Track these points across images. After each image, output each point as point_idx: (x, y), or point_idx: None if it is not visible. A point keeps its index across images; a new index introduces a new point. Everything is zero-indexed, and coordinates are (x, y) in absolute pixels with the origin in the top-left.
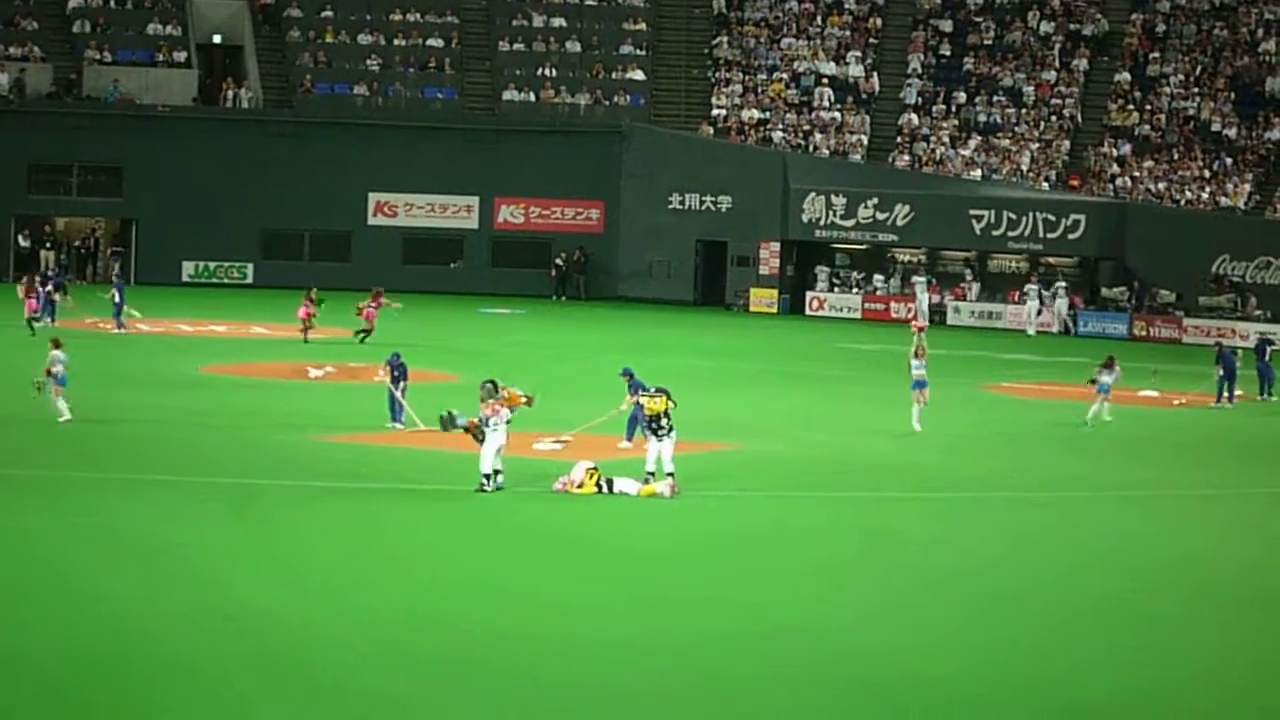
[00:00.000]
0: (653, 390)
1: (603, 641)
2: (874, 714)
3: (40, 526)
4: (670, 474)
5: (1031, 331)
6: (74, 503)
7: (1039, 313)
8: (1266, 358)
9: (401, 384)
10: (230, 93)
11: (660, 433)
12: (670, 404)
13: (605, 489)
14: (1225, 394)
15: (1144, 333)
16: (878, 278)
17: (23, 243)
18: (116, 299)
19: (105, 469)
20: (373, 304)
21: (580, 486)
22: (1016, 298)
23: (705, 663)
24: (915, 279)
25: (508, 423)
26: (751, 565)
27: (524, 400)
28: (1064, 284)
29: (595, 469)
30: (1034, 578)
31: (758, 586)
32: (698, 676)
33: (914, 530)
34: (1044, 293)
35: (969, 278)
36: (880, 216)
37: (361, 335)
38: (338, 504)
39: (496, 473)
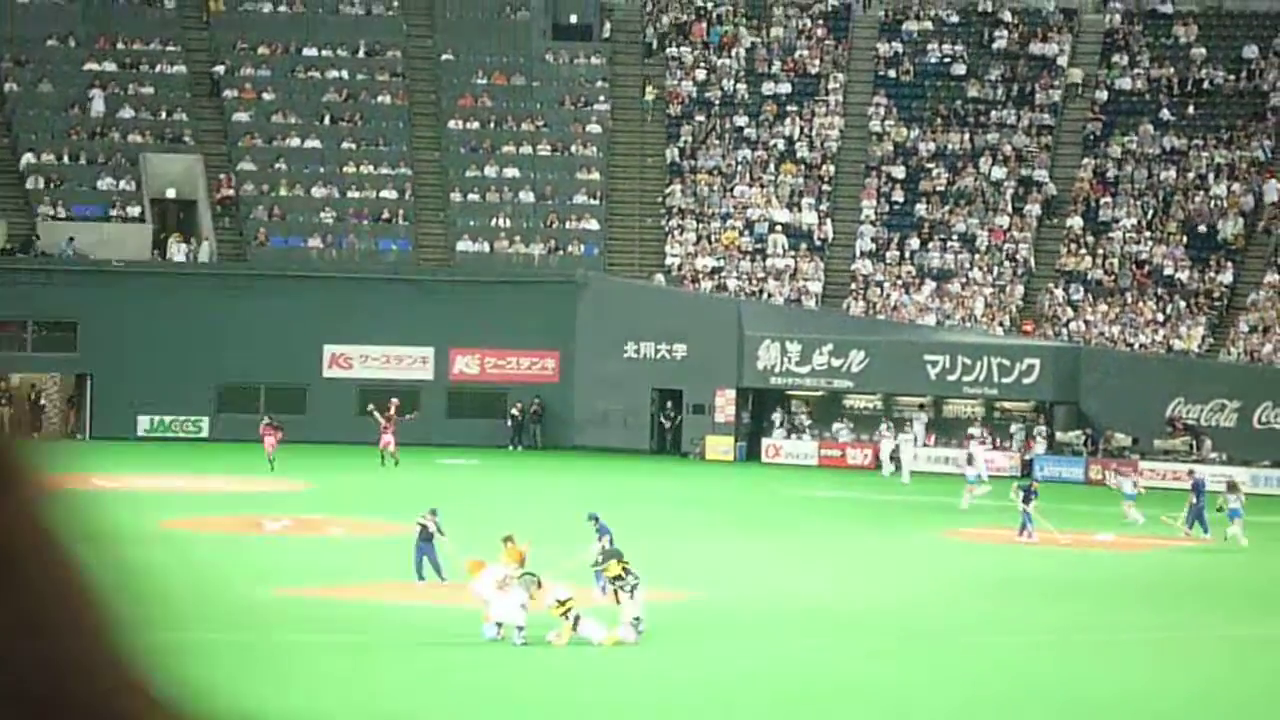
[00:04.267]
0: (601, 560)
1: None
2: None
3: None
4: (637, 619)
5: (971, 476)
6: None
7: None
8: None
9: (441, 538)
10: (177, 247)
11: (626, 587)
12: (624, 565)
13: (572, 626)
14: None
15: (1100, 477)
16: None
17: None
18: None
19: None
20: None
21: (549, 611)
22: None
23: None
24: (884, 429)
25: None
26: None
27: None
28: (914, 428)
29: (567, 600)
30: None
31: None
32: None
33: (878, 678)
34: (986, 437)
35: (914, 422)
36: (835, 363)
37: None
38: (302, 658)
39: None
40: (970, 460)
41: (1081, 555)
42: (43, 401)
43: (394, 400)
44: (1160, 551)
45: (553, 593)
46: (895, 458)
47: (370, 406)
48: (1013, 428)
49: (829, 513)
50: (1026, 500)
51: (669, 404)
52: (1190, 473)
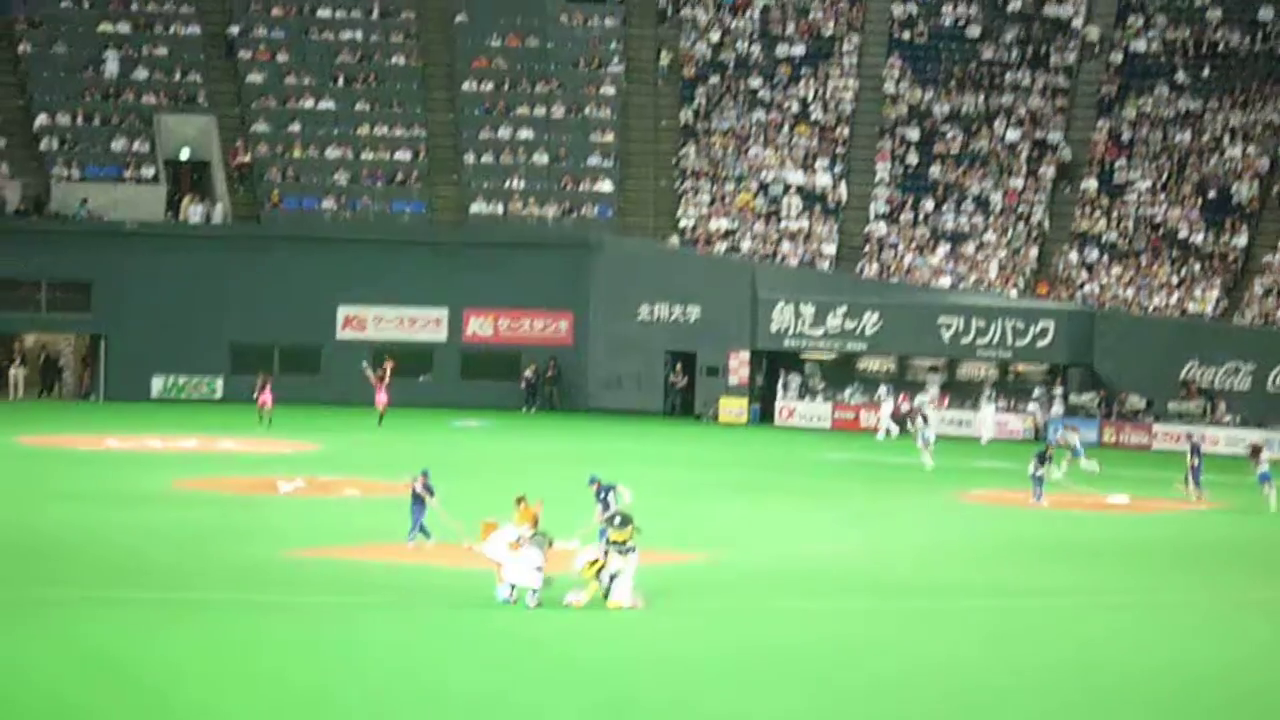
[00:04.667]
0: (617, 520)
1: None
2: None
3: (12, 645)
4: (613, 575)
5: (984, 439)
6: (48, 621)
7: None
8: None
9: (430, 499)
10: (191, 208)
11: (624, 551)
12: (634, 530)
13: (607, 582)
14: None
15: (1114, 439)
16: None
17: None
18: None
19: (79, 587)
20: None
21: (581, 572)
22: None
23: None
24: (882, 392)
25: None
26: (725, 679)
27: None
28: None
29: (596, 561)
30: (995, 687)
31: (733, 702)
32: None
33: (883, 640)
34: (996, 400)
35: (930, 385)
36: (849, 325)
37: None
38: (313, 619)
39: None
40: (925, 420)
41: (1094, 518)
42: (61, 363)
43: (389, 361)
44: (1172, 515)
45: (581, 556)
46: (901, 419)
47: (364, 364)
48: (1036, 391)
49: (842, 475)
50: (1040, 464)
51: (678, 365)
52: (1188, 436)
